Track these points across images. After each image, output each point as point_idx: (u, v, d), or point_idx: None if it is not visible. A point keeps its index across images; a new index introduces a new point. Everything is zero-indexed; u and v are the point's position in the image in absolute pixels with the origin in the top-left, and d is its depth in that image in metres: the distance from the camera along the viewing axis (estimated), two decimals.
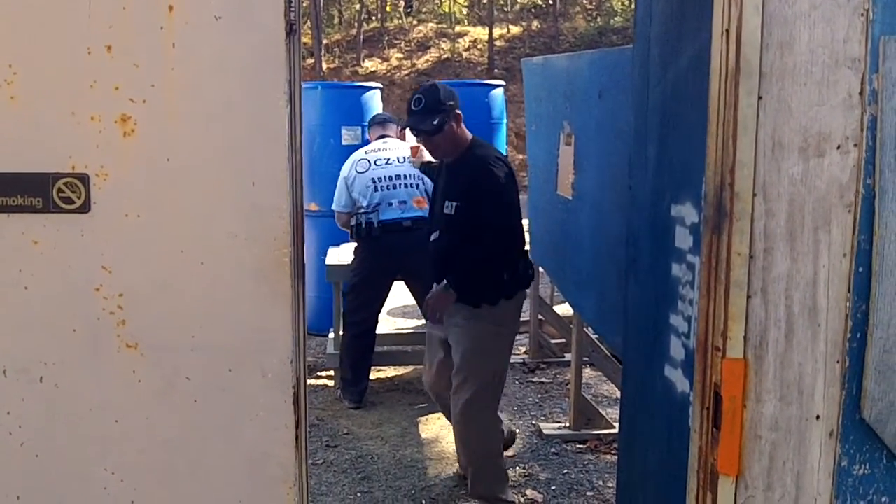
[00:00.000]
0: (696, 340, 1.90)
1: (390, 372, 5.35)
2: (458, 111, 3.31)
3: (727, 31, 1.67)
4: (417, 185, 4.79)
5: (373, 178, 4.75)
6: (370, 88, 5.99)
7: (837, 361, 1.76)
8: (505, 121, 6.18)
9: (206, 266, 1.56)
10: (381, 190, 4.75)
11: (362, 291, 4.67)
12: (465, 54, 20.55)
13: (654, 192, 2.60)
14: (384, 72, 19.79)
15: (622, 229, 3.08)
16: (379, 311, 4.81)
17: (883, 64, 1.64)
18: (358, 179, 4.77)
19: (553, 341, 5.69)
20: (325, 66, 19.22)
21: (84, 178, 1.53)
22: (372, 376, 5.00)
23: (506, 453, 4.17)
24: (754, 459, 1.76)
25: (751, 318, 1.73)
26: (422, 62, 20.41)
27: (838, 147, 1.69)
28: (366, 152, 4.91)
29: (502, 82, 6.32)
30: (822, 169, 1.69)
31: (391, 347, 5.16)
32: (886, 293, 1.70)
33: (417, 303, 4.78)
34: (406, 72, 20.01)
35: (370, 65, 20.13)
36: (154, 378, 1.59)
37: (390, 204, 4.70)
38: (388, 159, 4.83)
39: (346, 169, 4.87)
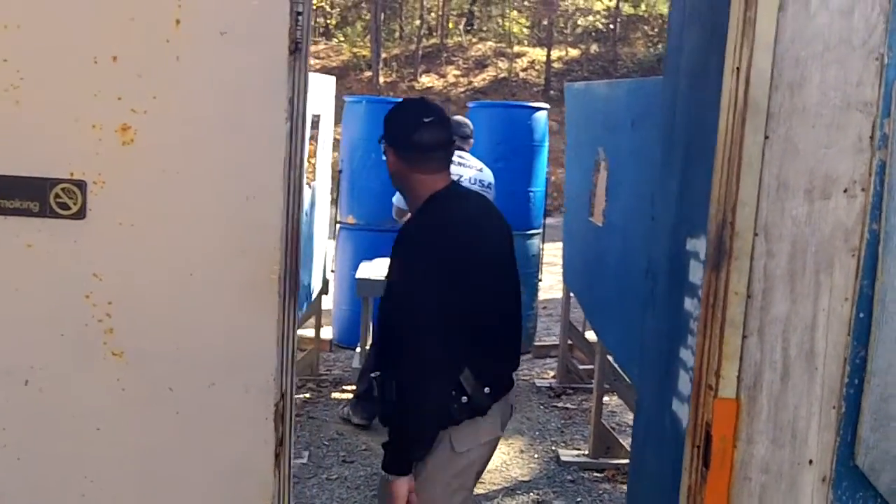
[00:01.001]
0: (693, 378, 1.86)
1: None
2: (404, 145, 2.16)
3: (738, 68, 1.64)
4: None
5: None
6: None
7: (833, 407, 1.71)
8: (546, 144, 6.15)
9: (195, 278, 1.57)
10: None
11: None
12: (521, 74, 20.57)
13: (673, 224, 2.56)
14: (440, 88, 19.91)
15: (645, 259, 3.04)
16: None
17: (895, 109, 1.59)
18: None
19: (581, 367, 5.63)
20: (382, 79, 19.40)
21: (81, 185, 1.55)
22: None
23: (520, 477, 4.12)
24: (743, 500, 1.72)
25: (745, 359, 1.69)
26: (478, 80, 20.48)
27: (845, 191, 1.64)
28: None
29: (546, 105, 6.30)
30: (827, 212, 1.64)
31: None
32: (887, 340, 1.64)
33: None
34: (462, 89, 20.09)
35: (427, 80, 20.26)
36: (138, 387, 1.61)
37: None
38: (461, 177, 4.47)
39: None
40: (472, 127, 4.97)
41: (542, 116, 6.13)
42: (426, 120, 2.17)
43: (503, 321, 2.26)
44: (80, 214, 1.56)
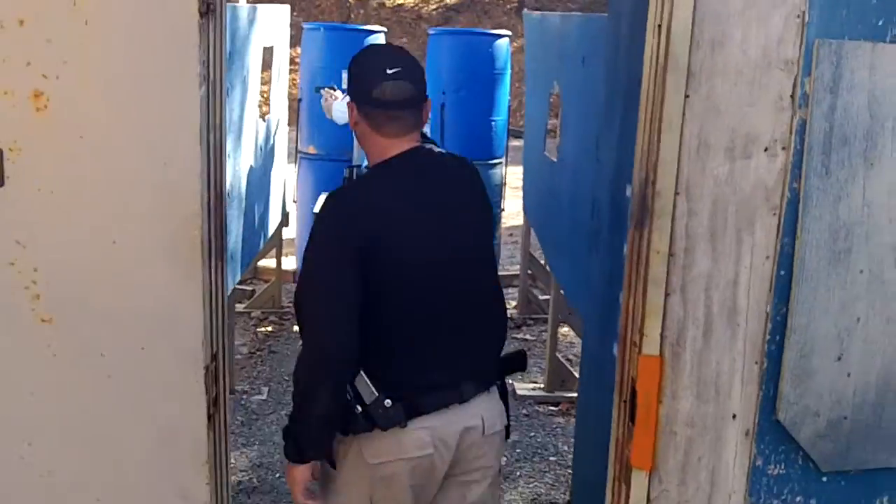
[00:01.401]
0: (618, 334, 1.91)
1: None
2: (364, 100, 1.86)
3: (659, 25, 1.63)
4: None
5: None
6: (374, 32, 5.91)
7: (756, 362, 1.76)
8: (509, 72, 6.09)
9: (119, 244, 1.58)
10: None
11: None
12: None
13: (614, 169, 2.58)
14: (412, 5, 19.47)
15: (592, 199, 3.06)
16: None
17: (816, 67, 1.60)
18: None
19: (542, 297, 5.70)
20: None
21: None
22: None
23: None
24: (669, 454, 1.78)
25: (668, 316, 1.73)
26: None
27: (766, 149, 1.65)
28: None
29: (508, 32, 6.20)
30: (748, 171, 1.66)
31: None
32: (806, 298, 1.69)
33: None
34: (434, 6, 19.66)
35: None
36: (69, 352, 1.62)
37: None
38: None
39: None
40: None
41: (503, 44, 6.04)
42: (390, 71, 1.82)
43: (435, 323, 1.86)
44: None
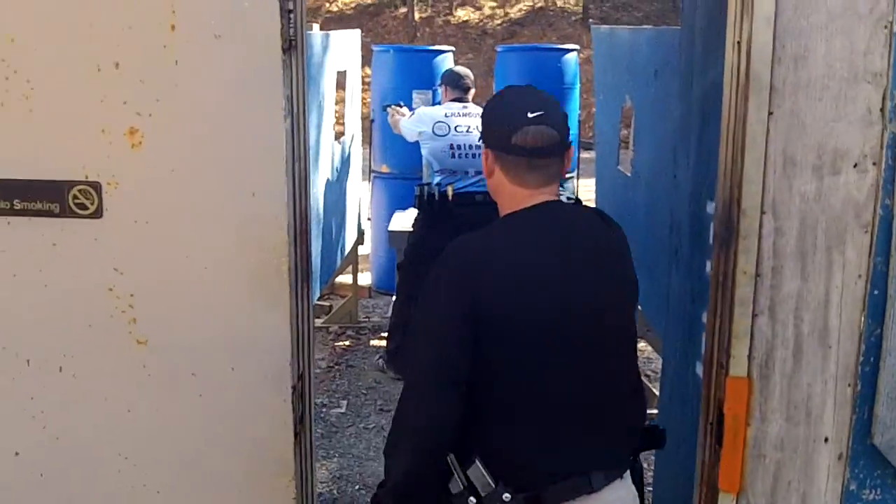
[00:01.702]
0: (704, 356, 1.88)
1: None
2: (502, 147, 1.65)
3: (738, 42, 1.61)
4: None
5: (451, 144, 4.40)
6: (442, 52, 5.96)
7: (849, 384, 1.71)
8: (578, 85, 6.07)
9: (209, 271, 1.63)
10: (460, 157, 4.38)
11: (419, 265, 4.60)
12: (559, 2, 20.11)
13: (693, 185, 2.54)
14: (476, 21, 19.59)
15: (669, 214, 3.02)
16: None
17: None
18: (434, 142, 4.43)
19: None
20: (417, 14, 19.13)
21: (97, 186, 1.61)
22: None
23: None
24: (758, 478, 1.74)
25: (756, 337, 1.69)
26: (514, 10, 20.09)
27: (855, 165, 1.61)
28: (445, 115, 4.48)
29: (576, 46, 6.19)
30: (837, 187, 1.62)
31: None
32: None
33: None
34: (499, 21, 19.74)
35: (463, 14, 19.92)
36: (162, 372, 1.68)
37: (467, 173, 4.36)
38: (470, 128, 4.42)
39: (423, 123, 4.49)
40: (472, 77, 4.75)
41: (571, 58, 6.04)
42: (531, 115, 1.62)
43: (564, 404, 1.62)
44: (98, 214, 1.62)
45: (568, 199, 1.83)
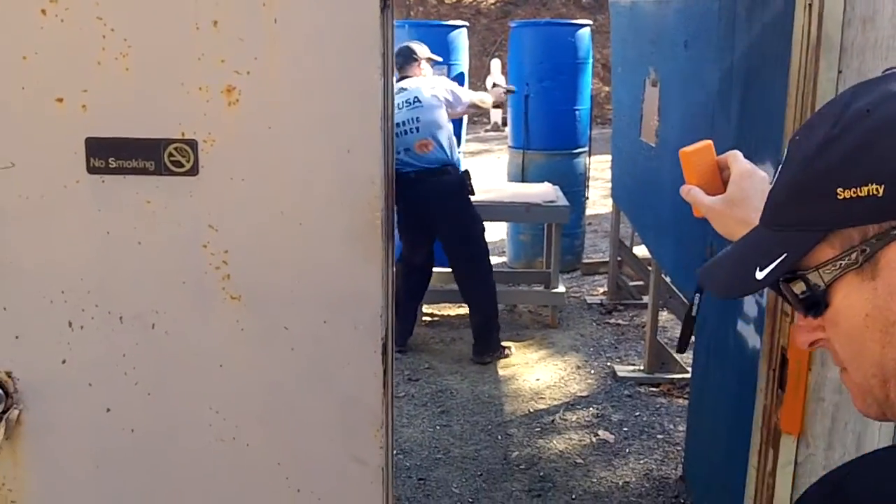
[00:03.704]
0: (766, 303, 1.95)
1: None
2: None
3: (809, 5, 1.68)
4: (418, 129, 4.51)
5: (397, 124, 4.56)
6: (457, 27, 6.00)
7: None
8: (591, 61, 6.12)
9: (304, 227, 1.69)
10: (399, 136, 4.54)
11: (402, 234, 4.70)
12: None
13: (735, 147, 2.62)
14: (469, 0, 19.55)
15: None
16: (420, 257, 4.78)
17: None
18: None
19: (631, 283, 5.73)
20: None
21: (193, 144, 1.65)
22: (452, 312, 5.15)
23: (579, 392, 4.29)
24: (816, 420, 1.83)
25: None
26: None
27: None
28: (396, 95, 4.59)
29: (589, 21, 6.23)
30: None
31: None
32: None
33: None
34: (493, 0, 19.71)
35: None
36: (255, 327, 1.74)
37: (398, 153, 4.49)
38: (399, 105, 4.56)
39: None
40: (413, 51, 4.81)
41: (585, 33, 6.09)
42: None
43: None
44: (193, 171, 1.67)
45: None
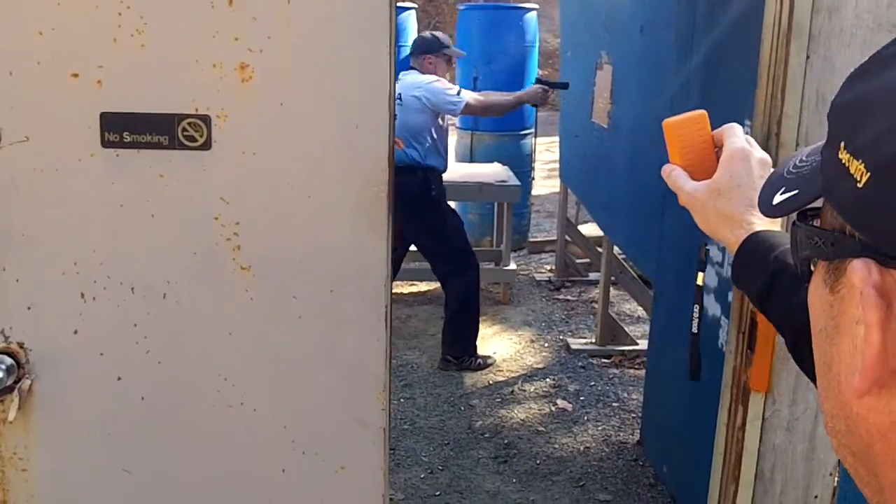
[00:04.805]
0: (718, 272, 2.11)
1: (423, 287, 5.61)
2: None
3: None
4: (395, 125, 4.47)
5: None
6: (405, 9, 6.06)
7: None
8: (537, 44, 6.26)
9: (313, 200, 1.77)
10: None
11: None
12: None
13: None
14: None
15: (658, 161, 3.25)
16: (398, 248, 4.75)
17: None
18: None
19: (578, 260, 5.92)
20: None
21: (206, 119, 1.71)
22: (406, 290, 5.25)
23: (535, 365, 4.45)
24: (782, 378, 2.00)
25: None
26: None
27: None
28: None
29: (535, 6, 6.37)
30: None
31: (425, 264, 5.40)
32: None
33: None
34: None
35: None
36: (264, 297, 1.81)
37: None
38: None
39: None
40: (418, 41, 4.73)
41: (532, 17, 6.22)
42: None
43: None
44: (206, 146, 1.73)
45: None
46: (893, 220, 0.39)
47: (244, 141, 1.74)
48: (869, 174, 0.42)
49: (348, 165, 1.75)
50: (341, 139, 1.74)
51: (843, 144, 0.45)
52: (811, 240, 0.49)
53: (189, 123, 1.72)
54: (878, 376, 0.42)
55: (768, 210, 0.58)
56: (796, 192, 0.53)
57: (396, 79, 4.48)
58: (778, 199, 0.56)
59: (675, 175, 1.05)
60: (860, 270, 0.42)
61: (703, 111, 1.14)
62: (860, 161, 0.42)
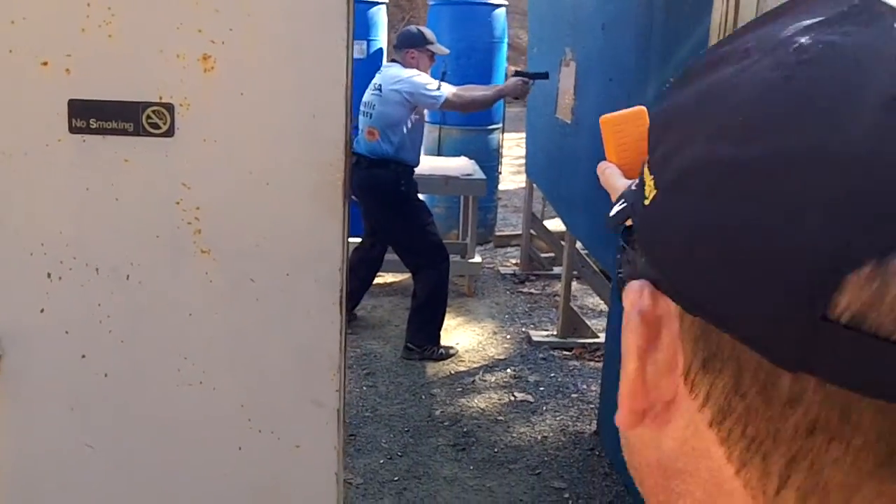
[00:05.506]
0: None
1: (388, 278, 5.68)
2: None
3: None
4: (371, 115, 4.46)
5: (363, 103, 4.60)
6: (376, 4, 6.12)
7: None
8: (506, 40, 6.35)
9: (271, 186, 1.84)
10: (362, 116, 4.57)
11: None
12: None
13: None
14: None
15: None
16: (367, 239, 4.83)
17: None
18: None
19: (542, 255, 6.02)
20: None
21: (170, 108, 1.78)
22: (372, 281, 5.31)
23: (496, 356, 4.54)
24: None
25: None
26: None
27: None
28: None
29: (504, 2, 6.45)
30: None
31: (391, 256, 5.46)
32: None
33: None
34: None
35: None
36: (223, 279, 1.89)
37: (356, 132, 4.49)
38: (371, 85, 4.58)
39: None
40: (402, 36, 4.74)
41: (500, 13, 6.30)
42: None
43: None
44: (170, 133, 1.80)
45: None
46: (667, 243, 0.37)
47: (206, 129, 1.81)
48: (655, 191, 0.39)
49: (306, 153, 1.83)
50: (299, 128, 1.82)
51: (648, 158, 0.42)
52: (620, 255, 0.46)
53: (153, 111, 1.79)
54: (638, 408, 0.41)
55: (606, 220, 0.52)
56: (626, 204, 0.47)
57: (377, 71, 4.52)
58: (615, 209, 0.49)
59: (608, 173, 0.96)
60: (632, 293, 0.40)
61: (642, 108, 1.19)
62: (652, 177, 0.39)
